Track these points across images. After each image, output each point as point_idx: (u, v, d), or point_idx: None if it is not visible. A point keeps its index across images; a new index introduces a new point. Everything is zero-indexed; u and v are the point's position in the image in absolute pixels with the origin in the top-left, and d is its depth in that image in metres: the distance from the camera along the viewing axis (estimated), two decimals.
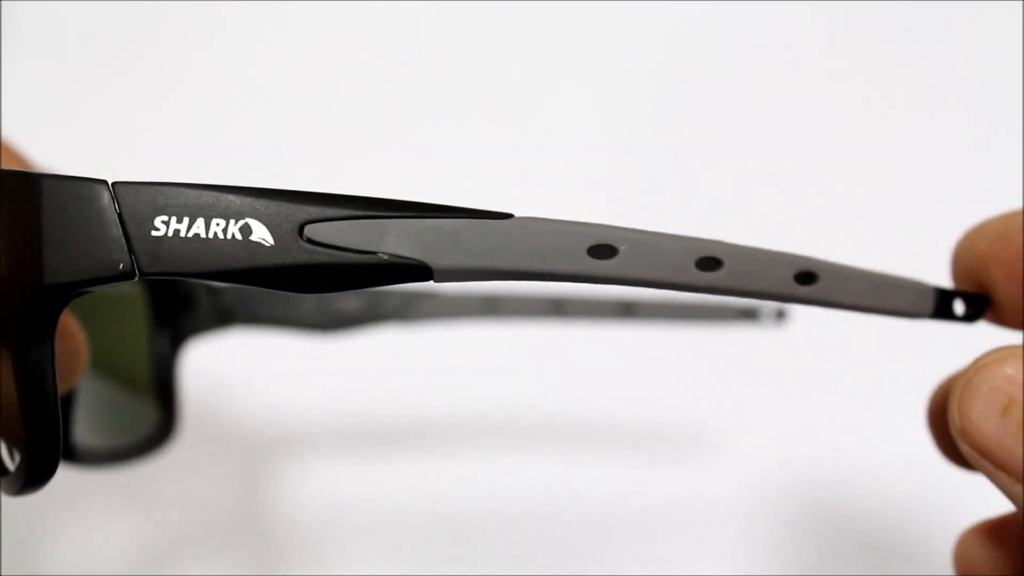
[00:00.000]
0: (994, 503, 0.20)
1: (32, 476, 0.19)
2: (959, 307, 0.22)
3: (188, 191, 0.17)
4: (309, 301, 0.32)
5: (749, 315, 0.33)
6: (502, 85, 0.46)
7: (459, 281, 0.18)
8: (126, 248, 0.17)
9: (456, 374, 0.41)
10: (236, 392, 0.40)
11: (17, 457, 0.20)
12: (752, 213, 0.43)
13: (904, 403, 0.29)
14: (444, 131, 0.45)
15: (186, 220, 0.17)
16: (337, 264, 0.17)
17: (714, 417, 0.40)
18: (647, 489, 0.39)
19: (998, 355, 0.19)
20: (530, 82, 0.46)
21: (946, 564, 0.25)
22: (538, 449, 0.40)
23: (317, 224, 0.17)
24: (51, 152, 0.28)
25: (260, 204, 0.17)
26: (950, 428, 0.20)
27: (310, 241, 0.17)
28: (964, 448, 0.19)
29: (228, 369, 0.39)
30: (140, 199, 0.17)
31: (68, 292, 0.17)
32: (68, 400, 0.28)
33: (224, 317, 0.32)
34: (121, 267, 0.17)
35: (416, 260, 0.18)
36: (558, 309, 0.32)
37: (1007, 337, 0.23)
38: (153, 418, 0.31)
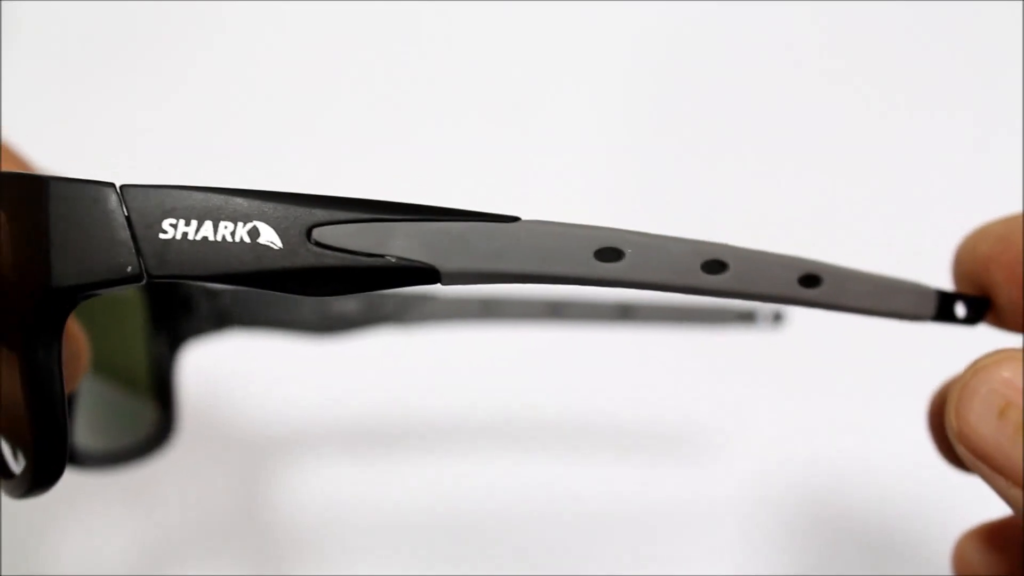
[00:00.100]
0: (993, 505, 0.21)
1: (38, 479, 0.19)
2: (960, 309, 0.22)
3: (196, 194, 0.17)
4: (307, 303, 0.32)
5: (747, 318, 0.33)
6: (502, 85, 0.46)
7: (466, 284, 0.18)
8: (134, 251, 0.17)
9: (457, 375, 0.41)
10: (236, 394, 0.40)
11: (22, 459, 0.20)
12: (752, 213, 0.43)
13: (903, 404, 0.29)
14: (444, 132, 0.45)
15: (194, 223, 0.17)
16: (345, 267, 0.17)
17: (714, 418, 0.40)
18: (647, 489, 0.39)
19: (995, 358, 0.19)
20: (530, 82, 0.46)
21: (945, 565, 0.25)
22: (538, 449, 0.40)
23: (325, 227, 0.17)
24: (51, 152, 0.28)
25: (268, 207, 0.17)
26: (947, 431, 0.20)
27: (318, 244, 0.17)
28: (961, 451, 0.19)
29: (228, 371, 0.39)
30: (148, 201, 0.17)
31: (76, 295, 0.17)
32: (68, 402, 0.28)
33: (222, 319, 0.32)
34: (129, 270, 0.17)
35: (424, 263, 0.18)
36: (555, 311, 0.32)
37: (1006, 339, 0.23)
38: (151, 420, 0.31)
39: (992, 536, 0.24)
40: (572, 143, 0.45)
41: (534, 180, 0.45)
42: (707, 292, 0.19)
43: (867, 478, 0.39)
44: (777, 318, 0.33)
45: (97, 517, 0.38)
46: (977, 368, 0.19)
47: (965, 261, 0.23)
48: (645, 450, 0.40)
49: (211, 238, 0.17)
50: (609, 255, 0.18)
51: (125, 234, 0.17)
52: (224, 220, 0.17)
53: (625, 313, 0.32)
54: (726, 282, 0.19)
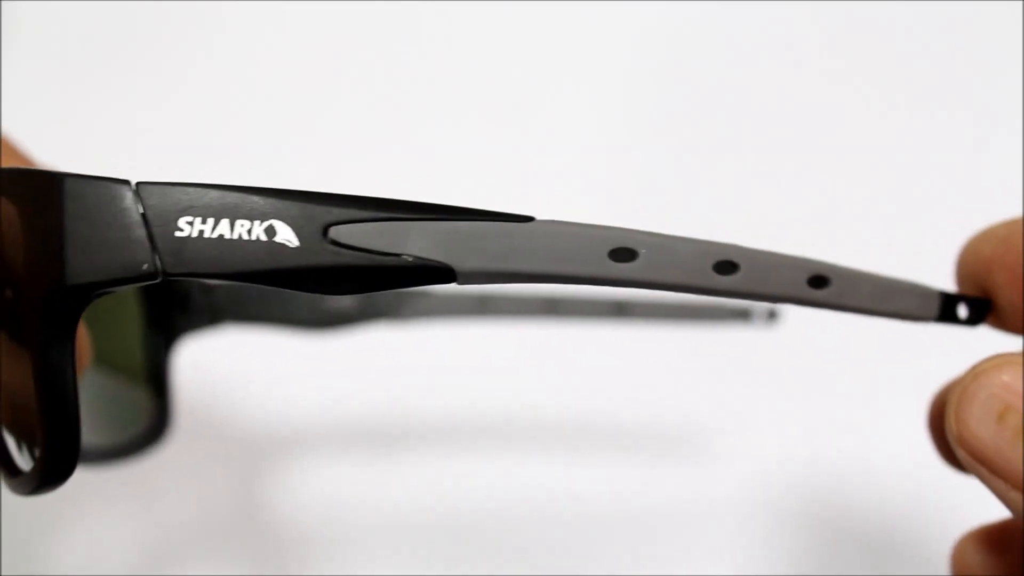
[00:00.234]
0: (993, 506, 0.21)
1: (49, 476, 0.19)
2: (962, 311, 0.23)
3: (212, 192, 0.17)
4: (302, 299, 0.32)
5: (742, 315, 0.33)
6: (502, 85, 0.46)
7: (481, 283, 0.18)
8: (150, 248, 0.17)
9: (457, 374, 0.41)
10: (235, 392, 0.40)
11: (28, 456, 0.20)
12: (752, 213, 0.43)
13: (903, 404, 0.29)
14: (444, 131, 0.45)
15: (211, 221, 0.17)
16: (362, 266, 0.17)
17: (714, 417, 0.40)
18: (647, 489, 0.39)
19: (995, 362, 0.19)
20: (530, 82, 0.46)
21: (944, 565, 0.25)
22: (538, 449, 0.40)
23: (341, 226, 0.17)
24: (51, 152, 0.28)
25: (285, 205, 0.17)
26: (947, 434, 0.20)
27: (334, 243, 0.17)
28: (960, 454, 0.19)
29: (227, 370, 0.39)
30: (164, 199, 0.17)
31: (90, 292, 0.17)
32: None
33: (216, 315, 0.32)
34: (145, 267, 0.17)
35: (440, 262, 0.18)
36: (551, 308, 0.32)
37: (1007, 340, 0.23)
38: (146, 415, 0.31)
39: (991, 538, 0.24)
40: (572, 143, 0.45)
41: (534, 180, 0.45)
42: (719, 293, 0.19)
43: (867, 478, 0.39)
44: (772, 315, 0.33)
45: (97, 517, 0.38)
46: (977, 372, 0.19)
47: (968, 263, 0.23)
48: (645, 450, 0.40)
49: (228, 236, 0.17)
50: (623, 255, 0.18)
51: (141, 232, 0.17)
52: (241, 218, 0.17)
53: (621, 310, 0.32)
54: (737, 283, 0.19)
